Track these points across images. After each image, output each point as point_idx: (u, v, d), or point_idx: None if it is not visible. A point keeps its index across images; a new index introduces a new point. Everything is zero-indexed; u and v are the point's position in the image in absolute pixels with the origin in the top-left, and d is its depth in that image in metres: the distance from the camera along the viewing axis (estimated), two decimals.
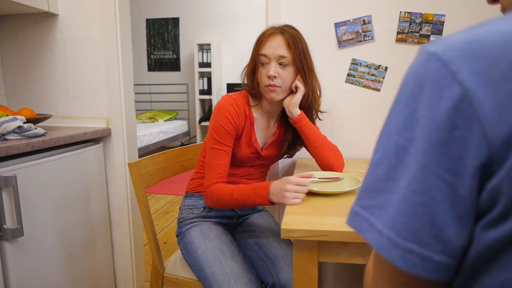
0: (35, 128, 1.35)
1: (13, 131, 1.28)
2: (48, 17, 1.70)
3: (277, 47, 1.09)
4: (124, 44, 1.68)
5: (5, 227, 1.16)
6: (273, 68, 1.09)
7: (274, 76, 1.09)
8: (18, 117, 1.32)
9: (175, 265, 1.25)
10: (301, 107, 1.18)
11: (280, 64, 1.10)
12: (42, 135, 1.37)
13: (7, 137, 1.27)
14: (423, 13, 1.44)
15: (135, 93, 2.36)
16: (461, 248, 0.33)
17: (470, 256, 0.33)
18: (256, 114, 1.21)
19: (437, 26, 1.44)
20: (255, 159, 1.24)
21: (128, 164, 1.23)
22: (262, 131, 1.24)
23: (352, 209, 0.39)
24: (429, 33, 1.44)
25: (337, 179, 1.13)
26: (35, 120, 1.48)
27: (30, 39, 1.75)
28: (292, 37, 1.09)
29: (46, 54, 1.74)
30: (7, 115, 1.35)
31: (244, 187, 1.05)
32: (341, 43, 1.51)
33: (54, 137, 1.37)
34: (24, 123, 1.32)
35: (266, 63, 1.11)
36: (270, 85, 1.11)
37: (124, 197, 1.75)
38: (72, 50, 1.71)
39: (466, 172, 0.31)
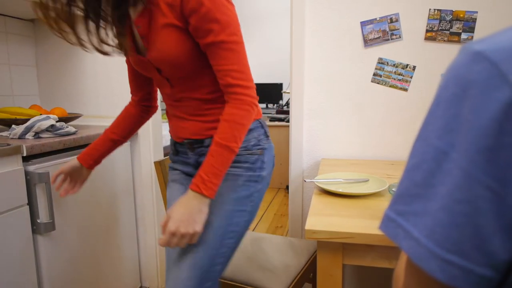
0: (67, 127, 1.40)
1: (46, 130, 1.33)
2: None
3: None
4: None
5: (38, 221, 1.21)
6: None
7: None
8: (51, 116, 1.38)
9: None
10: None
11: None
12: (73, 133, 1.42)
13: (40, 135, 1.32)
14: (453, 10, 1.39)
15: None
16: (506, 261, 0.31)
17: None
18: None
19: (469, 24, 1.39)
20: (151, 67, 0.93)
21: (154, 162, 1.25)
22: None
23: (385, 214, 0.37)
24: (460, 31, 1.40)
25: (362, 180, 1.11)
26: (66, 119, 1.53)
27: (62, 41, 1.81)
28: None
29: (77, 55, 1.80)
30: (40, 114, 1.41)
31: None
32: (367, 42, 1.48)
33: (85, 136, 1.42)
34: (56, 122, 1.37)
35: None
36: None
37: (150, 195, 1.78)
38: None
39: None
